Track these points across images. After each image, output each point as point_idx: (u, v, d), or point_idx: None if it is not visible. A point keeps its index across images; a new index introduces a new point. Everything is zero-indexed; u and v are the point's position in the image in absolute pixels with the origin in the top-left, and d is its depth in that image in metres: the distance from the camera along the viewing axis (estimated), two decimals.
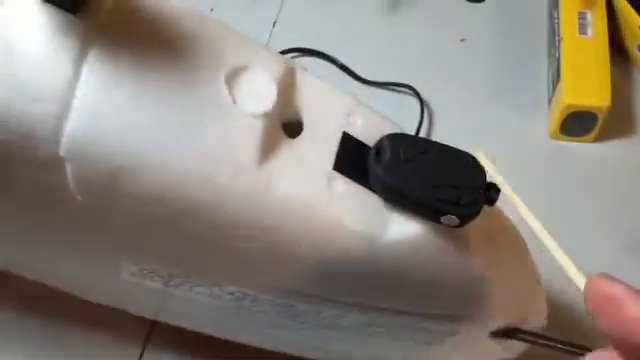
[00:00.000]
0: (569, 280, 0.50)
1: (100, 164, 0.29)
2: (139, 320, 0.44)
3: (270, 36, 0.64)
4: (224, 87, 0.30)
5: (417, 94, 0.60)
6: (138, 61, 0.28)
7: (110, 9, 0.29)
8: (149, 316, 0.44)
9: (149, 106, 0.29)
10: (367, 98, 0.61)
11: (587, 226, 0.53)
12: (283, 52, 0.62)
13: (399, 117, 0.60)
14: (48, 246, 0.36)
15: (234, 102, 0.30)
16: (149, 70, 0.29)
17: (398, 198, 0.33)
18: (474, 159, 0.34)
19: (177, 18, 0.30)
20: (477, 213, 0.33)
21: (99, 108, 0.28)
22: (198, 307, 0.39)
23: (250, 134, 0.30)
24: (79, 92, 0.28)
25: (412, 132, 0.58)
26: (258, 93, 0.31)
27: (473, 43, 0.63)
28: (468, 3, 0.66)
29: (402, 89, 0.60)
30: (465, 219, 0.32)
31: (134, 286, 0.38)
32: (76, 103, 0.28)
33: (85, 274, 0.39)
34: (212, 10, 0.66)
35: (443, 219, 0.32)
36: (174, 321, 0.43)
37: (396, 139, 0.33)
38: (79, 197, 0.31)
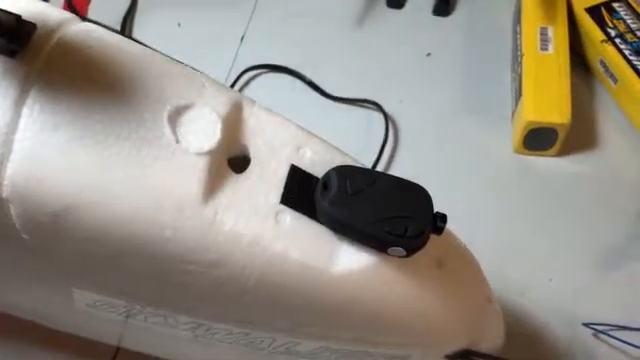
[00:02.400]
0: (530, 298, 0.51)
1: (43, 205, 0.29)
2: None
3: (237, 51, 0.64)
4: (167, 126, 0.30)
5: (382, 110, 0.60)
6: (78, 103, 0.29)
7: (49, 51, 0.29)
8: (111, 342, 0.44)
9: (90, 147, 0.29)
10: (333, 114, 0.62)
11: (553, 240, 0.54)
12: (250, 69, 0.62)
13: (365, 133, 0.62)
14: (2, 279, 0.36)
15: (177, 141, 0.30)
16: (90, 111, 0.29)
17: (345, 230, 0.33)
18: (422, 189, 0.34)
19: (120, 58, 0.30)
20: (424, 244, 0.33)
21: (39, 151, 0.28)
22: (156, 335, 0.39)
23: (194, 172, 0.30)
24: (19, 135, 0.28)
25: (377, 147, 0.58)
26: (202, 131, 0.31)
27: (439, 57, 0.64)
28: (434, 17, 0.66)
29: (368, 105, 0.61)
30: (412, 250, 0.33)
31: (91, 316, 0.38)
32: (16, 146, 0.28)
33: (43, 305, 0.39)
34: (179, 25, 0.66)
35: (390, 250, 0.33)
36: (136, 348, 0.44)
37: (343, 172, 0.33)
38: (25, 236, 0.31)
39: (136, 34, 0.65)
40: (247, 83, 0.63)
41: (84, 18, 0.63)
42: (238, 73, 0.62)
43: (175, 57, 0.59)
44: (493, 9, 0.66)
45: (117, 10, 0.66)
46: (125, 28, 0.64)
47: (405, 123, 0.60)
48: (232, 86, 0.61)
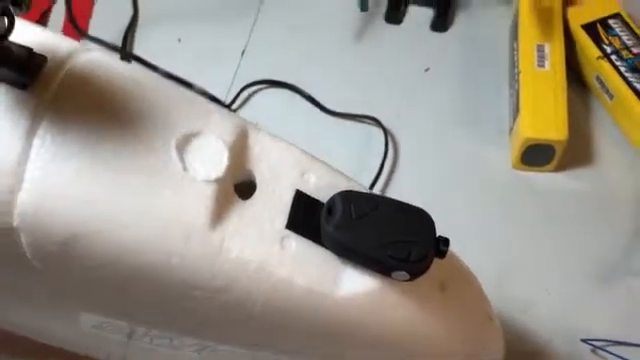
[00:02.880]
0: (528, 314, 0.52)
1: (53, 234, 0.30)
2: None
3: (239, 65, 0.65)
4: (175, 155, 0.31)
5: (381, 125, 0.60)
6: (88, 133, 0.29)
7: (59, 83, 0.29)
8: None
9: (100, 177, 0.29)
10: (333, 129, 0.63)
11: (551, 255, 0.55)
12: (251, 84, 0.63)
13: (365, 148, 0.62)
14: (10, 303, 0.37)
15: (185, 169, 0.30)
16: (99, 141, 0.29)
17: (349, 255, 0.33)
18: (424, 213, 0.35)
19: (127, 87, 0.31)
20: (427, 268, 0.34)
21: (50, 180, 0.29)
22: (161, 356, 0.39)
23: (202, 200, 0.31)
24: (30, 165, 0.29)
25: (377, 162, 0.59)
26: (210, 159, 0.31)
27: (437, 72, 0.64)
28: (432, 32, 0.67)
29: (367, 120, 0.61)
30: (415, 274, 0.34)
31: (96, 337, 0.38)
32: (27, 176, 0.29)
33: (49, 326, 0.39)
34: (180, 40, 0.66)
35: (394, 274, 0.33)
36: None
37: (347, 196, 0.34)
38: (35, 263, 0.31)
39: (137, 49, 0.65)
40: (248, 98, 0.63)
41: (86, 35, 0.64)
42: (239, 87, 0.63)
43: (176, 72, 0.61)
44: (490, 24, 0.66)
45: (118, 25, 0.66)
46: (126, 43, 0.65)
47: (404, 138, 0.61)
48: (233, 101, 0.62)
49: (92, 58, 0.31)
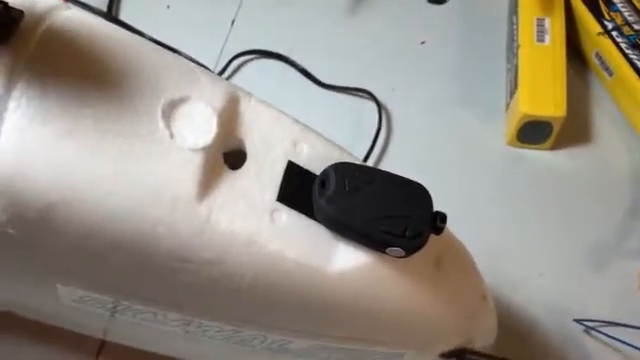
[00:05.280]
0: (521, 293, 0.51)
1: (31, 201, 0.28)
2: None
3: (228, 36, 0.63)
4: (161, 121, 0.29)
5: (375, 99, 0.59)
6: (68, 96, 0.27)
7: (37, 41, 0.27)
8: (97, 336, 0.43)
9: (80, 143, 0.28)
10: (326, 102, 0.61)
11: (545, 234, 0.54)
12: (241, 54, 0.61)
13: (358, 121, 0.61)
14: None
15: (171, 136, 0.29)
16: (80, 105, 0.28)
17: (343, 229, 0.32)
18: (421, 188, 0.34)
19: (111, 48, 0.29)
20: (423, 244, 0.32)
21: (27, 145, 0.27)
22: (145, 330, 0.38)
23: (189, 168, 0.29)
24: (5, 128, 0.27)
25: (370, 136, 0.57)
26: (198, 127, 0.30)
27: (433, 46, 0.63)
28: (429, 5, 0.65)
29: (361, 93, 0.60)
30: (411, 250, 0.32)
31: (78, 310, 0.37)
32: (2, 140, 0.27)
33: (28, 299, 0.38)
34: (168, 7, 0.64)
35: (389, 250, 0.32)
36: (123, 341, 0.43)
37: (341, 169, 0.32)
38: (10, 230, 0.30)
39: (123, 16, 0.63)
40: (238, 69, 0.61)
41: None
42: (228, 58, 0.60)
43: (163, 40, 0.59)
44: None
45: None
46: (112, 9, 0.62)
47: (398, 112, 0.59)
48: (222, 71, 0.60)
49: (73, 16, 0.29)
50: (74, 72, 0.28)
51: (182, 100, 0.30)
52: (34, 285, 0.35)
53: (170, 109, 0.30)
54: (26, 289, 0.36)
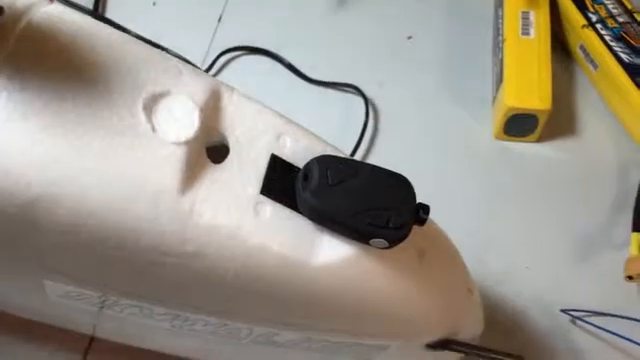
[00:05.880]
0: (508, 285, 0.51)
1: (12, 196, 0.28)
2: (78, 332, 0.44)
3: (215, 32, 0.63)
4: (143, 115, 0.29)
5: (362, 94, 0.59)
6: (48, 91, 0.27)
7: (18, 36, 0.27)
8: (86, 332, 0.43)
9: (61, 137, 0.28)
10: (313, 97, 0.61)
11: (532, 226, 0.54)
12: (229, 50, 0.61)
13: (345, 116, 0.61)
14: None
15: (153, 130, 0.29)
16: (61, 100, 0.28)
17: (326, 222, 0.32)
18: (404, 180, 0.34)
19: (92, 42, 0.29)
20: (406, 235, 0.33)
21: (7, 141, 0.27)
22: (133, 325, 0.38)
23: (171, 162, 0.29)
24: None
25: (357, 131, 0.58)
26: (180, 120, 0.30)
27: (420, 41, 0.63)
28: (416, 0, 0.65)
29: (348, 89, 0.60)
30: (394, 241, 0.32)
31: (65, 306, 0.37)
32: None
33: (14, 295, 0.38)
34: (154, 4, 0.64)
35: (372, 242, 0.32)
36: (111, 337, 0.43)
37: (324, 162, 0.33)
38: None
39: (110, 13, 0.63)
40: (225, 65, 0.61)
41: None
42: (215, 54, 0.61)
43: (150, 38, 0.59)
44: None
45: None
46: (98, 6, 0.62)
47: (385, 107, 0.60)
48: (209, 68, 0.60)
49: (54, 11, 0.29)
50: (55, 67, 0.28)
51: (163, 94, 0.30)
52: (20, 281, 0.35)
53: (152, 103, 0.30)
54: (13, 285, 0.36)
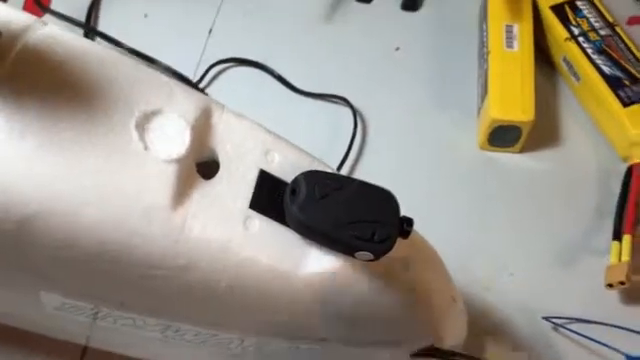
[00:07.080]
0: (491, 293, 0.52)
1: (8, 213, 0.29)
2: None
3: (205, 44, 0.64)
4: (135, 133, 0.30)
5: (350, 105, 0.60)
6: (44, 110, 0.28)
7: (14, 59, 0.28)
8: (79, 342, 0.44)
9: (57, 156, 0.29)
10: (302, 109, 0.62)
11: (515, 235, 0.55)
12: (219, 62, 0.62)
13: (334, 127, 0.62)
14: None
15: (145, 148, 0.30)
16: (56, 119, 0.29)
17: (313, 235, 0.33)
18: (389, 194, 0.35)
19: (87, 63, 0.30)
20: (390, 248, 0.34)
21: (6, 159, 0.28)
22: (126, 336, 0.39)
23: (163, 179, 0.30)
24: None
25: (346, 142, 0.59)
26: (171, 138, 0.31)
27: (407, 52, 0.64)
28: (403, 12, 0.66)
29: (336, 100, 0.61)
30: (379, 254, 0.34)
31: (59, 318, 0.38)
32: None
33: (9, 307, 0.39)
34: (146, 16, 0.65)
35: (357, 254, 0.33)
36: (105, 347, 0.44)
37: (311, 177, 0.34)
38: None
39: (101, 25, 0.64)
40: (216, 76, 0.62)
41: (49, 10, 0.62)
42: (206, 66, 0.62)
43: (141, 49, 0.60)
44: (461, 4, 0.66)
45: (82, 0, 0.64)
46: (90, 19, 0.63)
47: (373, 118, 0.61)
48: (200, 80, 0.61)
49: (49, 33, 0.30)
50: (51, 88, 0.29)
51: (155, 112, 0.31)
52: (16, 294, 0.36)
53: (144, 121, 0.31)
54: (9, 297, 0.37)
